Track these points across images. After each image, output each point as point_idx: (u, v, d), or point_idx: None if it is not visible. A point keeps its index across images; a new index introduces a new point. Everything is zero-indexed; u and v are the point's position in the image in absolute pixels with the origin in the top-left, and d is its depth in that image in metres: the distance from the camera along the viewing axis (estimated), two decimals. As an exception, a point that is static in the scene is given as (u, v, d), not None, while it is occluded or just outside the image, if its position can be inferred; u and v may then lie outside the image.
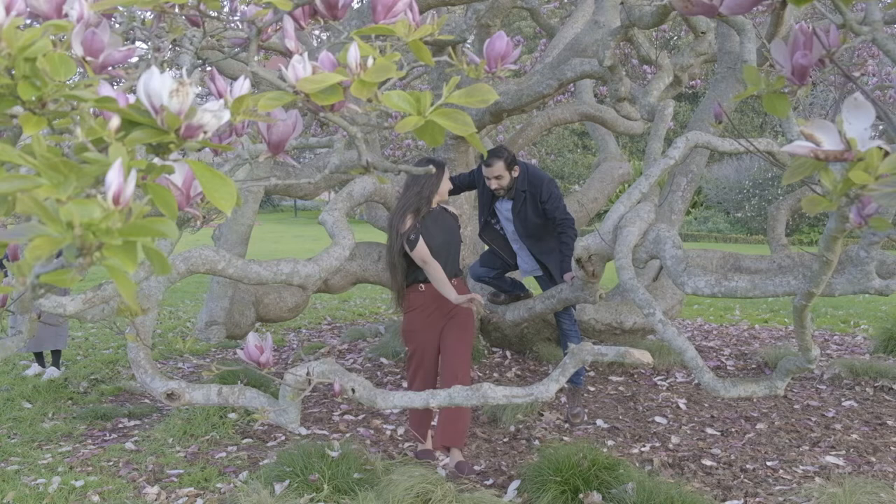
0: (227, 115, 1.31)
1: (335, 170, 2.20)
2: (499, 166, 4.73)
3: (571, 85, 9.06)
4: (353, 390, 2.90)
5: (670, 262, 3.45)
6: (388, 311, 10.52)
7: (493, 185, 4.81)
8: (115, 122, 1.12)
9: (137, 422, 5.53)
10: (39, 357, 6.93)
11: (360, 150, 2.19)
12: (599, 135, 8.70)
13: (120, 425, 5.47)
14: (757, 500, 3.85)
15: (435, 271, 4.22)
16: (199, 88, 1.57)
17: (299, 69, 1.63)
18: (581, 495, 3.71)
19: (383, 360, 6.97)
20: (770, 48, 1.45)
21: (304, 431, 5.10)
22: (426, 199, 4.27)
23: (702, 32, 5.02)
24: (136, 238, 1.00)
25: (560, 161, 24.41)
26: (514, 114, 6.46)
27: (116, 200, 1.00)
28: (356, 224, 11.31)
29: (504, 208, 5.01)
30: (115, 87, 1.43)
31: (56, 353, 6.90)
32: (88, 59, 1.58)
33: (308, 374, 2.95)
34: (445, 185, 4.36)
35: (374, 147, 7.49)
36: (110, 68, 1.66)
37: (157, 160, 1.39)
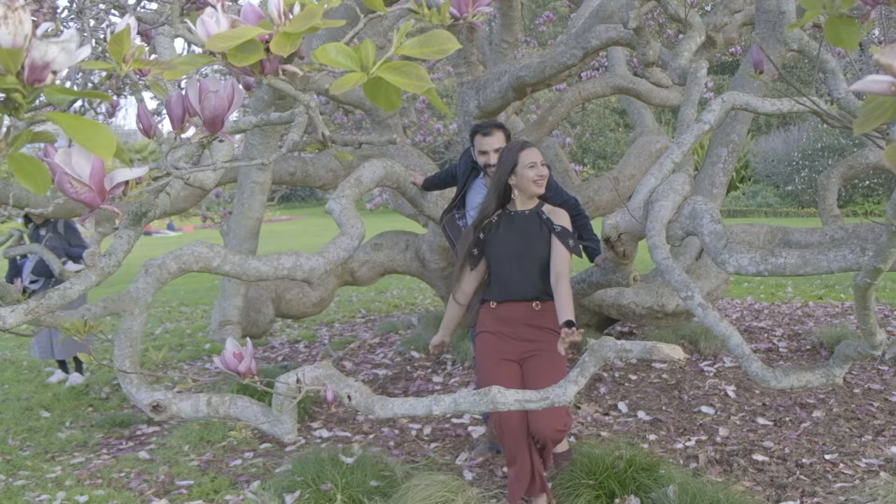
0: (83, 52, 0.98)
1: (293, 147, 1.88)
2: (499, 136, 3.99)
3: (605, 58, 8.67)
4: (350, 397, 2.59)
5: (709, 239, 3.07)
6: (424, 301, 10.23)
7: (493, 159, 3.91)
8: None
9: (156, 428, 5.29)
10: (63, 364, 6.75)
11: (315, 122, 1.86)
12: (635, 108, 8.30)
13: (138, 432, 5.24)
14: (815, 500, 3.45)
15: (451, 299, 3.68)
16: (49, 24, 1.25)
17: (211, 25, 1.30)
18: (617, 500, 3.36)
19: (414, 353, 6.66)
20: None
21: (325, 434, 4.82)
22: (501, 192, 3.51)
23: (737, -13, 4.59)
24: None
25: (601, 140, 23.87)
26: (538, 89, 6.08)
27: None
28: (386, 214, 11.02)
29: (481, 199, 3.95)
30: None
31: (79, 360, 6.72)
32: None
33: (298, 380, 2.64)
34: (527, 173, 3.45)
35: (396, 132, 7.15)
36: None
37: (18, 123, 1.08)
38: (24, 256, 6.28)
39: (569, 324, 3.14)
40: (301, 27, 1.28)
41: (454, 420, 4.88)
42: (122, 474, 4.39)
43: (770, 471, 3.80)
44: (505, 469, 3.91)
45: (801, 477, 3.71)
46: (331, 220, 3.45)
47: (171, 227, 27.85)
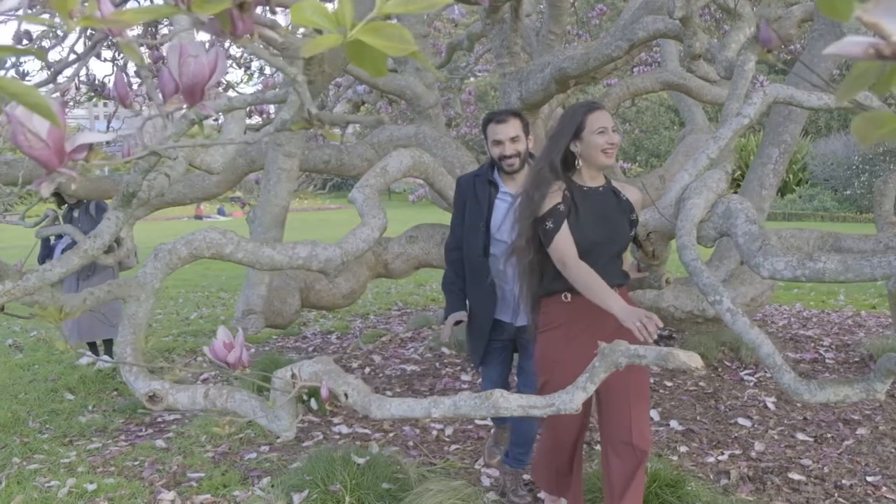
0: (7, 2, 0.86)
1: (281, 126, 1.73)
2: (515, 124, 3.37)
3: (658, 54, 8.41)
4: (346, 395, 2.44)
5: (742, 240, 2.86)
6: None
7: (508, 150, 3.35)
8: None
9: (177, 416, 5.20)
10: (93, 347, 6.72)
11: (301, 98, 1.70)
12: (686, 106, 8.04)
13: (158, 419, 5.16)
14: (853, 525, 3.22)
15: (580, 274, 2.75)
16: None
17: (177, -31, 1.16)
18: (637, 517, 3.16)
19: (445, 350, 6.50)
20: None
21: (344, 430, 4.68)
22: (557, 158, 2.86)
23: (791, -23, 4.34)
24: None
25: (655, 139, 23.44)
26: (582, 81, 5.88)
27: None
28: (428, 206, 10.88)
29: (503, 215, 3.39)
30: None
31: (109, 343, 6.67)
32: None
33: (294, 375, 2.50)
34: (595, 140, 2.86)
35: (438, 123, 6.99)
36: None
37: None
38: (59, 237, 6.25)
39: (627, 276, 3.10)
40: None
41: (478, 421, 4.71)
42: (136, 463, 4.31)
43: (806, 491, 3.56)
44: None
45: (840, 500, 3.46)
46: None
47: (221, 212, 28.09)
